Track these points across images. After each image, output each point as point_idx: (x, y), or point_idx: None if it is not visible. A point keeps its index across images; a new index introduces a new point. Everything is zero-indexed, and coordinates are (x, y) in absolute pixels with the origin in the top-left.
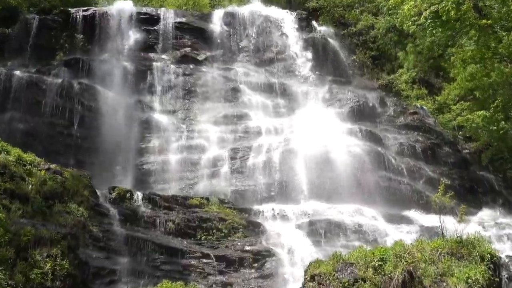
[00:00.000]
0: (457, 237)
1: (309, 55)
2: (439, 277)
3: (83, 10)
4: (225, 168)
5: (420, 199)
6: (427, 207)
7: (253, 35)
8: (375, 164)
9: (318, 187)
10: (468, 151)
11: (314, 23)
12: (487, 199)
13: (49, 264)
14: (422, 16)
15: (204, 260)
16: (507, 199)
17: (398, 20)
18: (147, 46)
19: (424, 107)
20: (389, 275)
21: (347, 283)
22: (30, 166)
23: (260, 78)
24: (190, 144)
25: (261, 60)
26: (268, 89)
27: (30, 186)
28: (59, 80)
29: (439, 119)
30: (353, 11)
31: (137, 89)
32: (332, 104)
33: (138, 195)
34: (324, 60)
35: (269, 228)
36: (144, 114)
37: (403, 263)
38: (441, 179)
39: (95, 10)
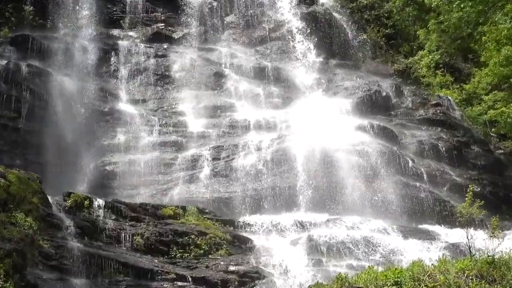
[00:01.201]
0: (488, 256)
1: (309, 34)
2: None
3: None
4: (205, 171)
5: (444, 210)
6: (451, 219)
7: (242, 8)
8: (388, 167)
9: (319, 194)
10: (502, 151)
11: None
12: None
13: None
14: None
15: (179, 283)
16: None
17: None
18: (111, 21)
19: (449, 98)
20: None
21: None
22: None
23: (250, 61)
24: (163, 140)
25: (250, 39)
26: (259, 74)
27: None
28: (3, 62)
29: (467, 112)
30: None
31: (98, 73)
32: (337, 94)
33: (99, 203)
34: (327, 39)
35: (259, 244)
36: (107, 104)
37: None
38: (469, 185)
39: None
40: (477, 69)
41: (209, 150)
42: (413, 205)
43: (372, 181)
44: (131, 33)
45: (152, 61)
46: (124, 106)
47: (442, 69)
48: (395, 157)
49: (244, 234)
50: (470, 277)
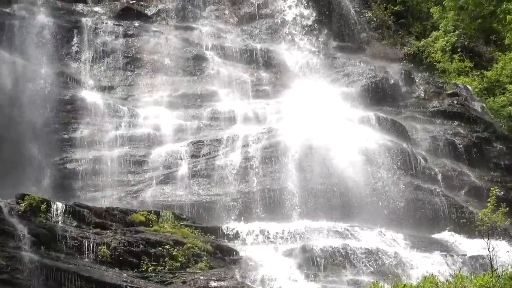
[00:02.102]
0: None
1: (305, 10)
2: None
3: None
4: (183, 170)
5: (461, 217)
6: (470, 228)
7: None
8: (397, 166)
9: (315, 198)
10: None
11: None
12: None
13: None
14: None
15: None
16: None
17: None
18: None
19: (468, 87)
20: None
21: None
22: None
23: (235, 42)
24: (133, 134)
25: (237, 17)
26: (247, 57)
27: None
28: None
29: (489, 104)
30: None
31: (58, 55)
32: (338, 81)
33: (58, 206)
34: (326, 17)
35: (246, 255)
36: (68, 91)
37: None
38: (491, 188)
39: None
40: (500, 53)
41: (188, 145)
42: (425, 211)
43: (377, 183)
44: (96, 9)
45: (121, 41)
46: (88, 93)
47: (459, 53)
48: (404, 155)
49: (228, 244)
50: None
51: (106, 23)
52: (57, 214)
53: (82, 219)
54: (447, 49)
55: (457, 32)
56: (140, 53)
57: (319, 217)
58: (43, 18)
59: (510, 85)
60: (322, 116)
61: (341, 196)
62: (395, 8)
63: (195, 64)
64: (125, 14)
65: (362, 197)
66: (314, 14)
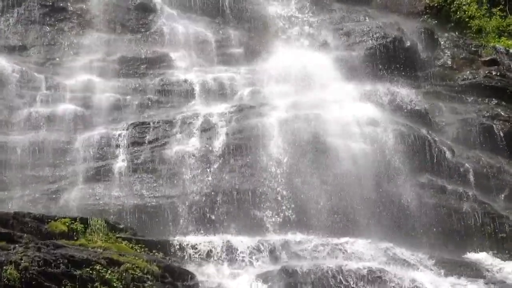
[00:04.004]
0: None
1: None
2: None
3: None
4: (121, 162)
5: (499, 231)
6: (510, 245)
7: None
8: (412, 160)
9: (302, 203)
10: None
11: None
12: None
13: None
14: None
15: None
16: None
17: None
18: None
19: None
20: None
21: None
22: None
23: None
24: (53, 113)
25: None
26: (210, 8)
27: None
28: None
29: None
30: None
31: None
32: (334, 42)
33: None
34: None
35: (206, 281)
36: None
37: None
38: None
39: None
40: None
41: (127, 129)
42: (450, 222)
43: (385, 182)
44: None
45: None
46: None
47: (501, 6)
48: (423, 145)
49: (181, 265)
50: None
51: None
52: None
53: None
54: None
55: None
56: (64, 0)
57: (306, 228)
58: None
59: None
60: (312, 91)
61: (336, 200)
62: None
63: (138, 16)
64: None
65: (365, 202)
66: None
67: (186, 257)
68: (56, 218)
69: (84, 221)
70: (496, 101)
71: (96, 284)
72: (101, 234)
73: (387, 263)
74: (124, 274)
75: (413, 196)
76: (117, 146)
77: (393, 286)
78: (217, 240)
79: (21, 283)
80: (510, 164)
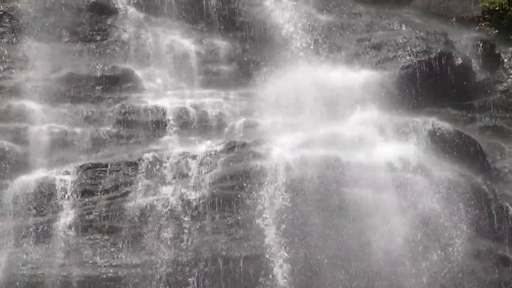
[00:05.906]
0: None
1: None
2: None
3: None
4: (67, 217)
5: None
6: None
7: None
8: (465, 219)
9: (314, 279)
10: None
11: None
12: None
13: None
14: None
15: None
16: None
17: None
18: None
19: None
20: None
21: None
22: None
23: None
24: None
25: None
26: (190, 11)
27: None
28: None
29: None
30: None
31: None
32: (359, 57)
33: None
34: None
35: None
36: None
37: None
38: None
39: None
40: None
41: (76, 173)
42: None
43: (429, 250)
44: None
45: None
46: None
47: None
48: (479, 200)
49: None
50: None
51: None
52: None
53: None
54: None
55: None
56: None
57: None
58: None
59: None
60: (328, 124)
61: (360, 273)
62: None
63: (92, 19)
64: None
65: (400, 274)
66: None
67: None
68: None
69: None
70: None
71: None
72: None
73: None
74: None
75: (465, 269)
76: (62, 196)
77: None
78: None
79: None
80: None
